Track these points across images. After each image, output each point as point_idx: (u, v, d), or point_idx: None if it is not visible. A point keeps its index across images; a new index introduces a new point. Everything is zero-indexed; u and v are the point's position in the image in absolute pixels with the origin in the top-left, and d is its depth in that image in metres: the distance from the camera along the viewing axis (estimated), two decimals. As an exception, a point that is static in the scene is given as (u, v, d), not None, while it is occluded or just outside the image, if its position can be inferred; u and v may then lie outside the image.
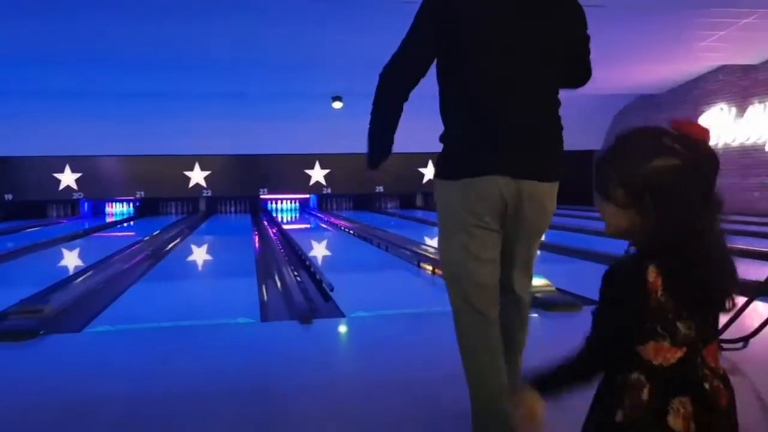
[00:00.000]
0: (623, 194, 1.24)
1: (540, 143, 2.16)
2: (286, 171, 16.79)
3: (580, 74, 2.32)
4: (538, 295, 4.69)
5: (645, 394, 1.19)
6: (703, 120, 13.66)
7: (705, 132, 1.24)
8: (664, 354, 1.19)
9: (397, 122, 2.29)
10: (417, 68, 2.22)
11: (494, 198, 2.12)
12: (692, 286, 1.19)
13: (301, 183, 16.95)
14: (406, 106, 2.29)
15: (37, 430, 2.61)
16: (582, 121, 16.54)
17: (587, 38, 2.29)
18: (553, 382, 1.34)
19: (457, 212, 2.17)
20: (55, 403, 2.91)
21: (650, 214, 1.21)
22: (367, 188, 16.88)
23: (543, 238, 2.40)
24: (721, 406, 1.18)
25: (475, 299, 2.18)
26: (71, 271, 7.66)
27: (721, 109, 13.22)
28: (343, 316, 4.63)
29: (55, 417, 2.73)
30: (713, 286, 1.21)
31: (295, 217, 16.50)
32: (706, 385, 1.18)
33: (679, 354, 1.19)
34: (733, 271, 1.24)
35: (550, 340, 4.09)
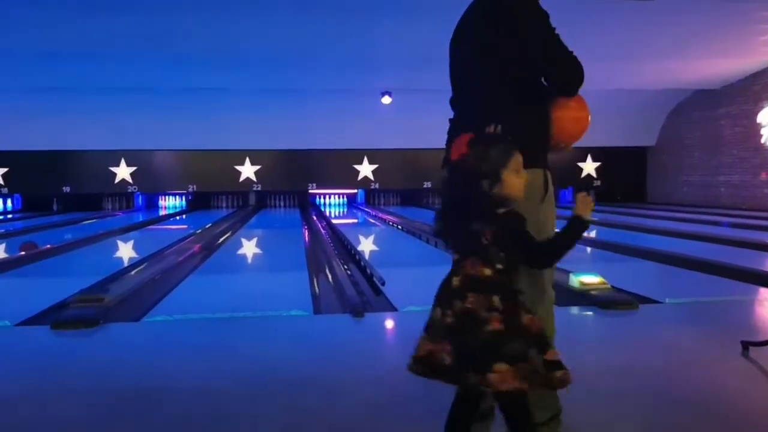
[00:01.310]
0: None
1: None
2: (334, 166, 16.90)
3: (557, 75, 2.33)
4: (594, 293, 4.63)
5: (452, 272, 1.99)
6: (763, 116, 13.21)
7: (454, 153, 2.00)
8: (453, 255, 2.02)
9: None
10: None
11: None
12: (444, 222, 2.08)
13: (350, 178, 17.03)
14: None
15: (99, 416, 2.67)
16: (637, 117, 16.21)
17: (541, 39, 2.29)
18: None
19: None
20: (118, 389, 2.98)
21: None
22: (415, 184, 16.86)
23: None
24: (457, 285, 1.94)
25: None
26: (128, 262, 7.84)
27: (782, 104, 12.78)
28: (395, 310, 4.63)
29: (117, 402, 2.80)
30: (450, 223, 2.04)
31: (343, 212, 16.58)
32: (465, 271, 1.93)
33: (456, 257, 1.99)
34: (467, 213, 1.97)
35: (606, 338, 4.03)
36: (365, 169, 17.00)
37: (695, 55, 11.52)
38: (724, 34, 10.39)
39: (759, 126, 13.38)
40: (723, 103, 14.43)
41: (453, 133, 2.55)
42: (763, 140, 13.29)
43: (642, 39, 10.23)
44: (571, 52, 2.32)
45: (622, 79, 12.78)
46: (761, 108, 13.29)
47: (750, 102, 13.60)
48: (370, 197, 17.86)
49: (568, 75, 2.32)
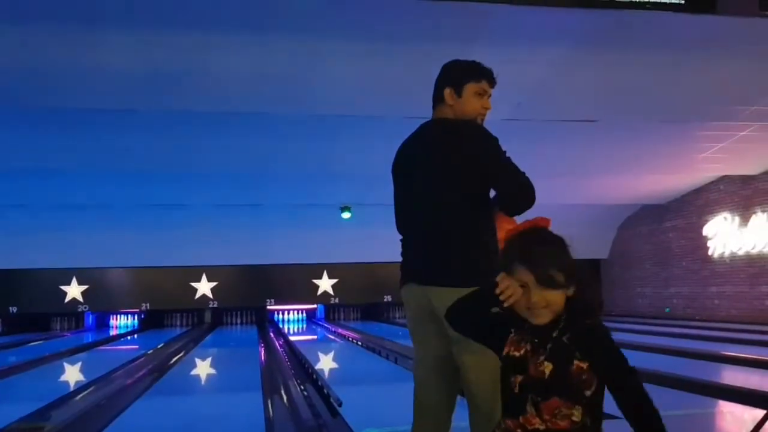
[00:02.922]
0: (564, 279, 1.74)
1: (431, 253, 2.41)
2: (293, 281, 16.75)
3: (505, 191, 2.40)
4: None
5: None
6: (708, 229, 13.73)
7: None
8: None
9: None
10: None
11: (412, 304, 2.49)
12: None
13: (309, 293, 16.87)
14: None
15: None
16: (588, 230, 16.62)
17: (491, 159, 2.39)
18: None
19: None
20: None
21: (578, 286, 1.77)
22: (375, 298, 16.76)
23: None
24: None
25: (416, 394, 2.54)
26: (73, 386, 7.51)
27: (725, 218, 13.32)
28: (352, 433, 4.48)
29: None
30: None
31: (302, 327, 16.32)
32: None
33: None
34: None
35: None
36: (325, 284, 16.91)
37: (638, 172, 12.04)
38: (665, 153, 10.94)
39: (705, 239, 13.86)
40: (669, 217, 14.98)
41: (406, 254, 2.56)
42: (710, 252, 13.73)
43: (585, 157, 10.68)
44: (523, 173, 2.38)
45: (569, 195, 13.17)
46: (706, 221, 13.82)
47: (695, 215, 14.15)
48: (329, 312, 17.64)
49: (517, 190, 2.37)
